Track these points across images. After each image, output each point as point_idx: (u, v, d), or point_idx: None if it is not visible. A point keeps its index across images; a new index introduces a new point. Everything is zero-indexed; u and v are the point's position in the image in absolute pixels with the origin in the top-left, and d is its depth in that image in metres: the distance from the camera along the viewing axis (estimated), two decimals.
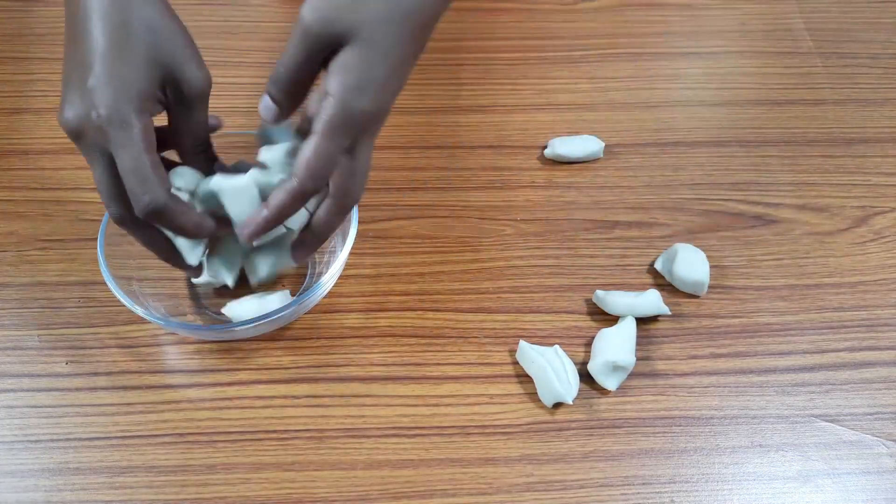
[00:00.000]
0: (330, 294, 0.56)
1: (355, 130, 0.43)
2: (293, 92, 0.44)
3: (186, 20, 0.73)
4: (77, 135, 0.42)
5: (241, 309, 0.52)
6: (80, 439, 0.50)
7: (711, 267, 0.59)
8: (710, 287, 0.58)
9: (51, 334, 0.54)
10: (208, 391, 0.52)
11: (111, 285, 0.50)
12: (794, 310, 0.57)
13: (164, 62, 0.43)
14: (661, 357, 0.55)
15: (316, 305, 0.56)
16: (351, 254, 0.58)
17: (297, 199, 0.44)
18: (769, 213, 0.63)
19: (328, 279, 0.52)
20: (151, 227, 0.46)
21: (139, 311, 0.49)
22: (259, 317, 0.49)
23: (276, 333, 0.54)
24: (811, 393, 0.53)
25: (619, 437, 0.51)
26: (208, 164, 0.48)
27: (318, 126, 0.42)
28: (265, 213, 0.44)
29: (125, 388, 0.52)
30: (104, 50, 0.41)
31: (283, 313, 0.50)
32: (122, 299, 0.50)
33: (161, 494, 0.48)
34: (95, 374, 0.52)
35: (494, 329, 0.55)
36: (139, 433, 0.50)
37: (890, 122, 0.69)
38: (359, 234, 0.59)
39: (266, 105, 0.44)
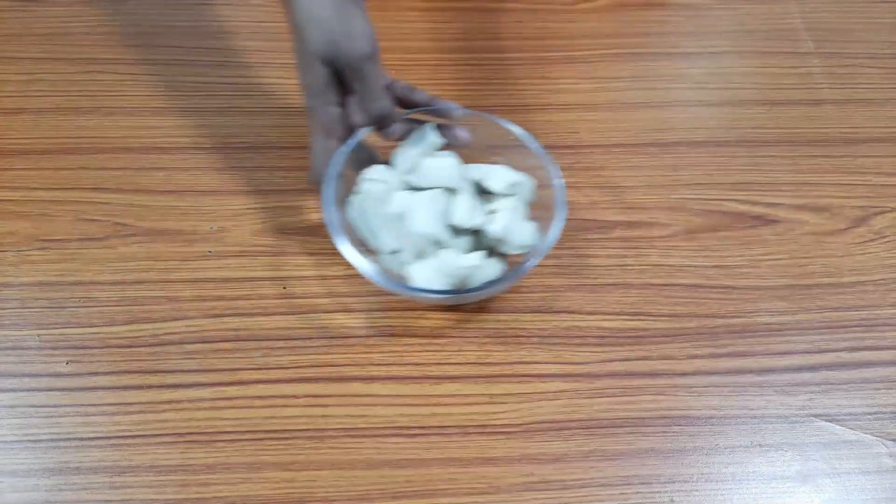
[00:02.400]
0: (330, 294, 0.56)
1: None
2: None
3: (187, 20, 0.73)
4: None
5: (423, 271, 0.52)
6: (81, 439, 0.50)
7: (711, 267, 0.59)
8: (710, 287, 0.58)
9: (51, 334, 0.54)
10: (208, 391, 0.52)
11: (340, 244, 0.51)
12: (794, 310, 0.57)
13: (329, 55, 0.51)
14: (661, 357, 0.55)
15: (318, 305, 0.56)
16: None
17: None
18: (769, 213, 0.63)
19: (552, 236, 0.52)
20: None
21: (369, 271, 0.51)
22: (489, 282, 0.51)
23: (277, 333, 0.54)
24: (811, 393, 0.53)
25: (619, 437, 0.51)
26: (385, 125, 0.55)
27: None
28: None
29: (125, 388, 0.52)
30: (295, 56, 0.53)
31: (514, 277, 0.51)
32: (348, 256, 0.51)
33: (161, 494, 0.48)
34: (95, 374, 0.52)
35: (495, 329, 0.55)
36: (139, 433, 0.50)
37: (890, 122, 0.69)
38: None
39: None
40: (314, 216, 0.60)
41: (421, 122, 0.56)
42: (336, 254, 0.58)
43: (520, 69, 0.72)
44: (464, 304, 0.56)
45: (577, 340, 0.55)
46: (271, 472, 0.49)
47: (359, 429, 0.51)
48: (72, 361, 0.53)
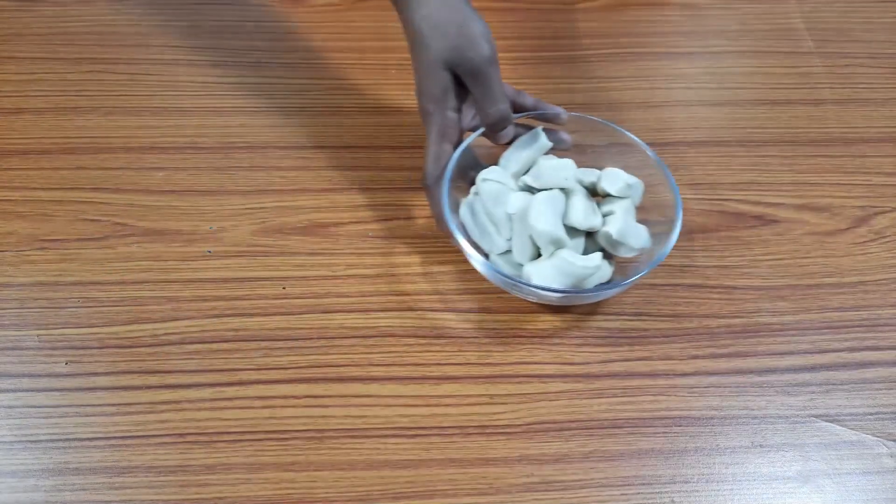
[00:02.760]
0: (330, 294, 0.56)
1: None
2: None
3: (186, 20, 0.73)
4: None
5: (542, 270, 0.52)
6: (80, 439, 0.50)
7: (712, 267, 0.59)
8: (710, 287, 0.58)
9: (50, 334, 0.54)
10: (208, 391, 0.52)
11: (460, 241, 0.53)
12: (795, 310, 0.57)
13: (453, 61, 0.52)
14: (661, 357, 0.55)
15: (316, 306, 0.56)
16: (351, 254, 0.58)
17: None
18: (769, 213, 0.63)
19: (671, 240, 0.53)
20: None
21: (486, 268, 0.53)
22: (609, 284, 0.53)
23: (276, 333, 0.54)
24: (811, 393, 0.53)
25: (619, 438, 0.51)
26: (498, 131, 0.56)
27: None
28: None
29: (125, 388, 0.52)
30: (413, 63, 0.54)
31: (632, 281, 0.52)
32: (467, 253, 0.53)
33: (161, 494, 0.48)
34: (95, 374, 0.52)
35: (494, 329, 0.55)
36: (139, 433, 0.50)
37: (890, 121, 0.69)
38: (358, 235, 0.59)
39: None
40: (312, 216, 0.60)
41: (525, 126, 0.58)
42: (334, 254, 0.58)
43: (520, 69, 0.72)
44: (574, 305, 0.57)
45: (577, 340, 0.55)
46: (271, 472, 0.49)
47: (359, 429, 0.51)
48: (71, 362, 0.53)
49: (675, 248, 0.60)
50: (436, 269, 0.58)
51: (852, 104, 0.70)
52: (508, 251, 0.55)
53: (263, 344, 0.54)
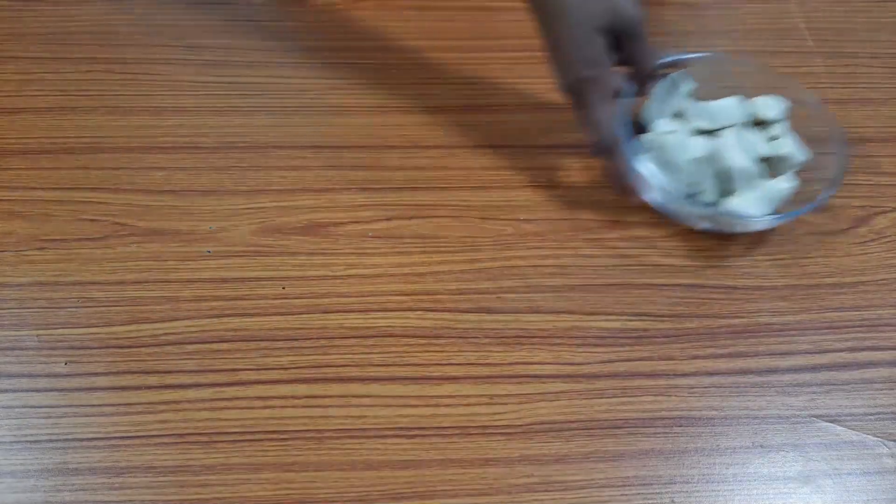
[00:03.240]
0: (329, 294, 0.56)
1: None
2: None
3: (187, 20, 0.73)
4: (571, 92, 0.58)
5: (747, 202, 0.57)
6: (79, 440, 0.50)
7: (712, 267, 0.59)
8: (710, 287, 0.58)
9: (50, 334, 0.54)
10: (207, 391, 0.52)
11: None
12: (795, 310, 0.57)
13: (611, 23, 0.56)
14: (661, 357, 0.54)
15: (316, 306, 0.56)
16: (350, 254, 0.58)
17: None
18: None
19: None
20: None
21: (683, 205, 0.57)
22: (811, 204, 0.57)
23: (276, 334, 0.54)
24: (812, 393, 0.53)
25: (619, 438, 0.51)
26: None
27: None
28: None
29: (124, 388, 0.52)
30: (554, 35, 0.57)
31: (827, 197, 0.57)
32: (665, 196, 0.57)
33: (160, 495, 0.48)
34: (94, 374, 0.52)
35: (494, 329, 0.55)
36: (138, 433, 0.50)
37: (891, 121, 0.69)
38: (359, 235, 0.59)
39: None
40: (312, 216, 0.60)
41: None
42: (334, 254, 0.58)
43: (518, 68, 0.71)
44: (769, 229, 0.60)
45: (577, 340, 0.55)
46: (271, 472, 0.49)
47: (358, 430, 0.51)
48: (70, 362, 0.53)
49: (675, 248, 0.60)
50: (436, 269, 0.58)
51: (853, 104, 0.70)
52: (690, 196, 0.58)
53: (263, 344, 0.54)
